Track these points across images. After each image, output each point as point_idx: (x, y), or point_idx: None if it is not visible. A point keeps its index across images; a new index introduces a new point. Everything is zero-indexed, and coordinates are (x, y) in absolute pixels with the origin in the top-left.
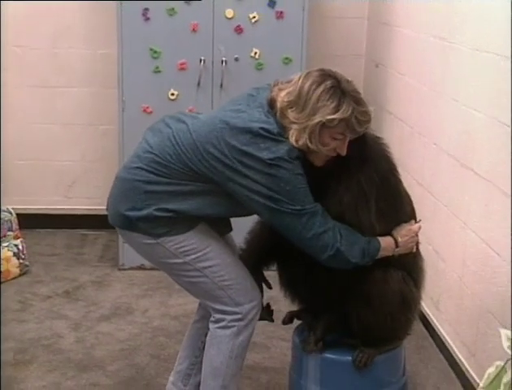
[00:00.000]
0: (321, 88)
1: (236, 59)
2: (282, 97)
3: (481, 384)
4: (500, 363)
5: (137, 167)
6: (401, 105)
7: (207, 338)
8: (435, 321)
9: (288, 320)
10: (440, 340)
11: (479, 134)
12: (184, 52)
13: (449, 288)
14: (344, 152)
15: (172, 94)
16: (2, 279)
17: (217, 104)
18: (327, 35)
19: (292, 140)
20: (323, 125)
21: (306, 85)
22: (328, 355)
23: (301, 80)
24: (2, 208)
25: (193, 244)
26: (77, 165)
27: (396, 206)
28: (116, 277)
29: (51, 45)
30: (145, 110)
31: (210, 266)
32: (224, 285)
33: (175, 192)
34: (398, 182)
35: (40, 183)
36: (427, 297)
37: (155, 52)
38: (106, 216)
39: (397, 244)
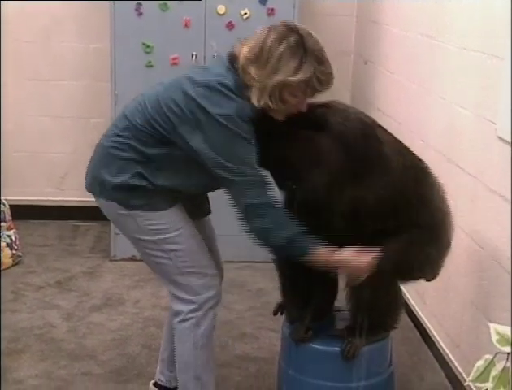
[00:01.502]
0: (283, 45)
1: None
2: (244, 53)
3: (470, 377)
4: (488, 356)
5: (113, 134)
6: (389, 101)
7: (174, 333)
8: (420, 313)
9: (278, 310)
10: (426, 331)
11: (465, 131)
12: (177, 47)
13: (435, 282)
14: (304, 108)
15: None
16: None
17: None
18: (317, 32)
19: (254, 100)
20: (284, 84)
21: (269, 40)
22: (316, 346)
23: (264, 35)
24: None
25: (163, 225)
26: (69, 157)
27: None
28: (108, 268)
29: (44, 38)
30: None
31: (175, 250)
32: (186, 271)
33: (148, 158)
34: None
35: (32, 174)
36: (412, 290)
37: (148, 46)
38: (97, 208)
39: (333, 261)
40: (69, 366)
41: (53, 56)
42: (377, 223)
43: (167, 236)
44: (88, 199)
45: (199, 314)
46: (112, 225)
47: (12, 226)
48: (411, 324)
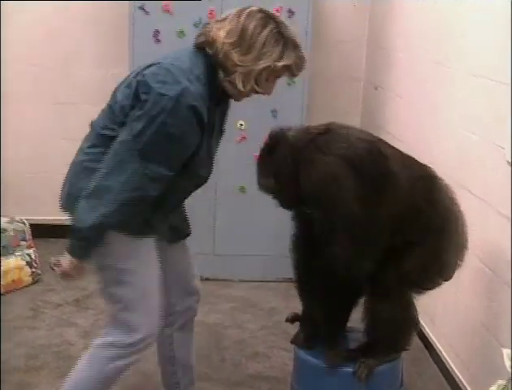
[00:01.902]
0: (266, 32)
1: None
2: (222, 38)
3: None
4: (501, 382)
5: (85, 147)
6: (399, 125)
7: (86, 353)
8: (431, 335)
9: (291, 319)
10: (436, 353)
11: (474, 155)
12: None
13: (445, 303)
14: (271, 92)
15: None
16: (14, 288)
17: None
18: (328, 58)
19: (240, 85)
20: (270, 70)
21: (250, 27)
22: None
23: (242, 19)
24: (16, 219)
25: (129, 251)
26: None
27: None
28: None
29: (64, 64)
30: None
31: (128, 282)
32: (130, 306)
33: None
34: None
35: (51, 195)
36: (423, 312)
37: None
38: None
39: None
40: None
41: (72, 81)
42: (394, 236)
43: (123, 266)
44: None
45: (127, 351)
46: None
47: (32, 245)
48: (421, 345)
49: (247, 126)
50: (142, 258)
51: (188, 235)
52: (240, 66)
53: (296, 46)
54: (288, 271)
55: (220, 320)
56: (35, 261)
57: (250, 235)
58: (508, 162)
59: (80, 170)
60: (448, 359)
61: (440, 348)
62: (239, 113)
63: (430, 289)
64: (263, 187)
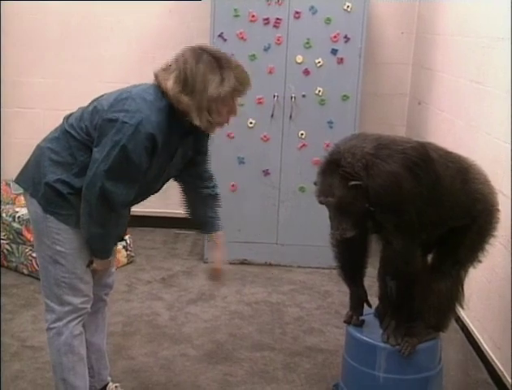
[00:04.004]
0: (202, 65)
1: (304, 96)
2: (172, 86)
3: None
4: None
5: (49, 137)
6: (440, 137)
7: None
8: (465, 318)
9: (349, 321)
10: (470, 334)
11: (508, 163)
12: (262, 89)
13: (479, 288)
14: (235, 113)
15: (251, 123)
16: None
17: (287, 132)
18: (378, 77)
19: (197, 121)
20: (217, 98)
21: (188, 68)
22: (376, 342)
23: (181, 65)
24: None
25: (64, 239)
26: None
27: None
28: (201, 268)
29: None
30: (228, 135)
31: (62, 264)
32: (60, 283)
33: (76, 163)
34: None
35: None
36: None
37: None
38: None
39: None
40: (170, 348)
41: None
42: (441, 227)
43: (61, 249)
44: None
45: (60, 324)
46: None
47: (127, 232)
48: (457, 326)
49: (307, 135)
50: (77, 246)
51: (122, 239)
52: (191, 105)
53: (234, 67)
54: None
55: (282, 300)
56: (129, 245)
57: (308, 228)
58: None
59: (44, 158)
60: (481, 340)
61: (474, 329)
62: (300, 124)
63: (474, 266)
64: (323, 202)
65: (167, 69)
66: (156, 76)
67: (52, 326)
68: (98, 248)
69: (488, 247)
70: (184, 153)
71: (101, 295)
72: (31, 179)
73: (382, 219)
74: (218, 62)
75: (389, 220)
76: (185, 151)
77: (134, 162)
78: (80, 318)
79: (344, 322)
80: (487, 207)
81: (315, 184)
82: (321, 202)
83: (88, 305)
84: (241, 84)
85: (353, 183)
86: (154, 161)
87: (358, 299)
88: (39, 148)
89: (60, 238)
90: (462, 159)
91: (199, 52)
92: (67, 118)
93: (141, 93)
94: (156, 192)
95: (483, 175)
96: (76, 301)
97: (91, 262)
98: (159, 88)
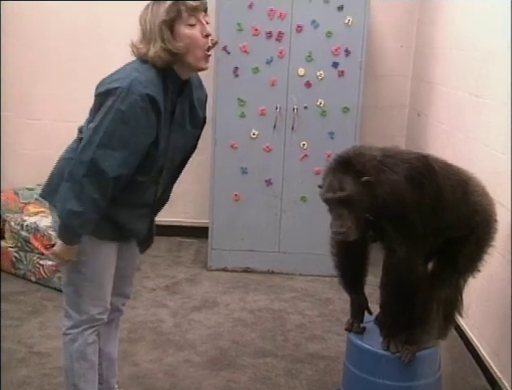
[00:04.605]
0: (149, 8)
1: (305, 107)
2: (133, 43)
3: None
4: None
5: (69, 149)
6: (439, 148)
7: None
8: (464, 325)
9: (350, 328)
10: (469, 341)
11: (506, 173)
12: (265, 101)
13: (477, 298)
14: (206, 31)
15: (254, 134)
16: None
17: (289, 143)
18: (378, 89)
19: (151, 52)
20: (166, 22)
21: (141, 19)
22: (376, 350)
23: (139, 23)
24: None
25: (87, 249)
26: (177, 186)
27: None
28: (205, 276)
29: None
30: (232, 146)
31: (84, 273)
32: (80, 292)
33: None
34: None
35: None
36: None
37: (242, 101)
38: (198, 227)
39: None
40: (175, 355)
41: None
42: (441, 236)
43: (84, 258)
44: (191, 220)
45: (75, 331)
46: (209, 241)
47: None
48: (455, 334)
49: (308, 146)
50: (99, 255)
51: (149, 246)
52: (148, 44)
53: None
54: None
55: (284, 307)
56: None
57: (310, 236)
58: None
59: (66, 169)
60: (480, 347)
61: (473, 337)
62: (302, 135)
63: (474, 275)
64: (331, 198)
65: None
66: (132, 49)
67: (68, 332)
68: (67, 226)
69: (486, 256)
70: (185, 120)
71: (119, 305)
72: (54, 190)
73: (387, 227)
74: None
75: (394, 228)
76: (184, 116)
77: (131, 124)
78: (95, 328)
79: (346, 329)
80: (485, 218)
81: (320, 186)
82: (327, 199)
83: (105, 316)
84: None
85: (366, 178)
86: (159, 129)
87: (359, 307)
88: (60, 160)
89: (83, 248)
90: (462, 171)
91: (150, 2)
92: (80, 128)
93: (124, 65)
94: (161, 174)
95: (481, 187)
96: (94, 311)
97: (52, 245)
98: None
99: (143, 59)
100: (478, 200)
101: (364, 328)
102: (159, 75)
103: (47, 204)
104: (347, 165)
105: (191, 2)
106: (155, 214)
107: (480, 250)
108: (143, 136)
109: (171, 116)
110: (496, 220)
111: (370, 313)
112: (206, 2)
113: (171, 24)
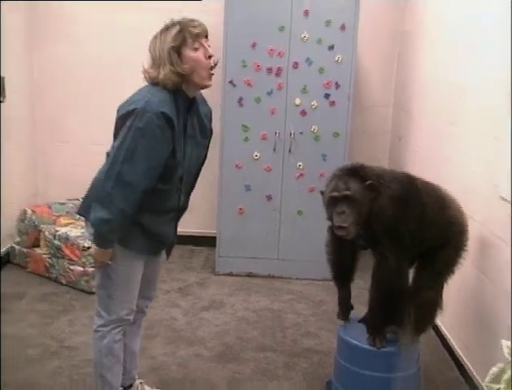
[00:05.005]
0: (158, 37)
1: (301, 133)
2: (145, 70)
3: (487, 379)
4: (501, 365)
5: (100, 171)
6: (417, 168)
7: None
8: (440, 323)
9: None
10: (443, 337)
11: (476, 191)
12: (266, 127)
13: (452, 300)
14: (209, 53)
15: (256, 155)
16: None
17: (287, 164)
18: (365, 117)
19: (161, 75)
20: (174, 48)
21: (151, 47)
22: (363, 345)
23: (149, 51)
24: None
25: (120, 259)
26: (190, 201)
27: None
28: (213, 280)
29: None
30: (237, 166)
31: (114, 279)
32: (111, 294)
33: None
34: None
35: None
36: None
37: (246, 127)
38: (207, 237)
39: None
40: (186, 349)
41: None
42: (422, 244)
43: (115, 266)
44: (201, 230)
45: (105, 329)
46: (217, 249)
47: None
48: (433, 332)
49: (304, 166)
50: (129, 263)
51: (168, 247)
52: (158, 69)
53: (179, 21)
54: None
55: (282, 307)
56: None
57: (305, 245)
58: (501, 197)
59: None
60: (453, 342)
61: (447, 333)
62: (298, 157)
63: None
64: (336, 196)
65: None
66: (144, 75)
67: (98, 329)
68: (98, 232)
69: (461, 260)
70: (195, 133)
71: (143, 307)
72: (89, 207)
73: (380, 235)
74: (172, 23)
75: (387, 237)
76: (194, 129)
77: (149, 139)
78: (122, 327)
79: (338, 317)
80: (460, 230)
81: (322, 192)
82: (333, 197)
83: (131, 317)
84: (192, 26)
85: (370, 182)
86: (175, 142)
87: (346, 306)
88: (94, 181)
89: (115, 256)
90: (438, 188)
91: (157, 32)
92: (107, 153)
93: (139, 90)
94: (186, 191)
95: (456, 203)
96: (122, 312)
97: (88, 248)
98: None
99: (154, 82)
100: (453, 214)
101: (348, 317)
102: (170, 95)
103: (83, 219)
104: (352, 172)
105: (194, 30)
106: (178, 220)
107: (456, 255)
108: (161, 148)
109: (184, 130)
110: (467, 231)
111: (351, 307)
112: (206, 28)
113: (178, 49)
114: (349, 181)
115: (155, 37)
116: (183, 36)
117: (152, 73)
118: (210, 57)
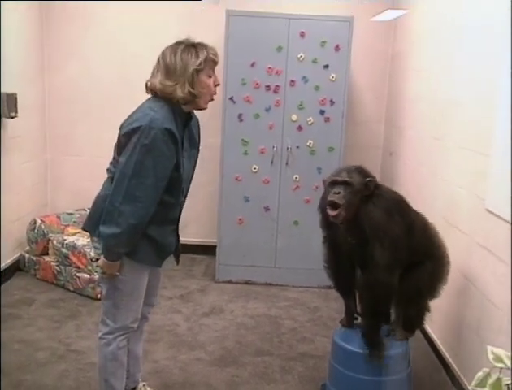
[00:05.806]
0: (179, 52)
1: (297, 147)
2: (159, 79)
3: (472, 384)
4: (486, 369)
5: (103, 187)
6: (407, 181)
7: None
8: (428, 328)
9: (343, 323)
10: (432, 342)
11: (462, 203)
12: (264, 141)
13: (439, 306)
14: (218, 81)
15: (254, 168)
16: None
17: (284, 176)
18: (357, 132)
19: (179, 93)
20: (197, 71)
21: (167, 58)
22: (356, 349)
23: (162, 60)
24: None
25: (127, 271)
26: (191, 211)
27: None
28: (213, 287)
29: None
30: (236, 178)
31: (120, 289)
32: (117, 304)
33: None
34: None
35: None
36: None
37: (245, 141)
38: (208, 246)
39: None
40: (187, 353)
41: None
42: (410, 258)
43: (122, 278)
44: (202, 239)
45: (110, 337)
46: (217, 257)
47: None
48: (422, 337)
49: (300, 178)
50: (136, 275)
51: (175, 254)
52: (176, 83)
53: (204, 46)
54: (327, 280)
55: (279, 313)
56: None
57: (301, 254)
58: (487, 209)
59: (103, 205)
60: (441, 346)
61: (436, 338)
62: (294, 170)
63: (436, 296)
64: (337, 181)
65: (152, 74)
66: (146, 85)
67: (103, 336)
68: (106, 245)
69: (444, 280)
70: (190, 147)
71: (146, 313)
72: (95, 224)
73: (373, 240)
74: (192, 45)
75: (376, 239)
76: (189, 143)
77: (155, 154)
78: (127, 334)
79: (340, 322)
80: (439, 254)
81: (324, 185)
82: (334, 180)
83: (136, 325)
84: (213, 54)
85: (370, 178)
86: (178, 155)
87: (351, 314)
88: (97, 198)
89: (122, 268)
90: (419, 214)
91: (175, 45)
92: (108, 169)
93: (140, 106)
94: (184, 197)
95: (434, 229)
96: (127, 321)
97: (97, 259)
98: (152, 94)
99: (160, 95)
100: (433, 236)
101: (352, 323)
102: (170, 110)
103: (89, 234)
104: (356, 167)
105: (214, 58)
106: (178, 229)
107: (435, 279)
108: (166, 163)
109: (181, 144)
110: (448, 261)
111: (357, 313)
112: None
113: (198, 73)
114: (351, 172)
115: (173, 49)
116: (206, 62)
117: (168, 88)
118: (217, 85)
